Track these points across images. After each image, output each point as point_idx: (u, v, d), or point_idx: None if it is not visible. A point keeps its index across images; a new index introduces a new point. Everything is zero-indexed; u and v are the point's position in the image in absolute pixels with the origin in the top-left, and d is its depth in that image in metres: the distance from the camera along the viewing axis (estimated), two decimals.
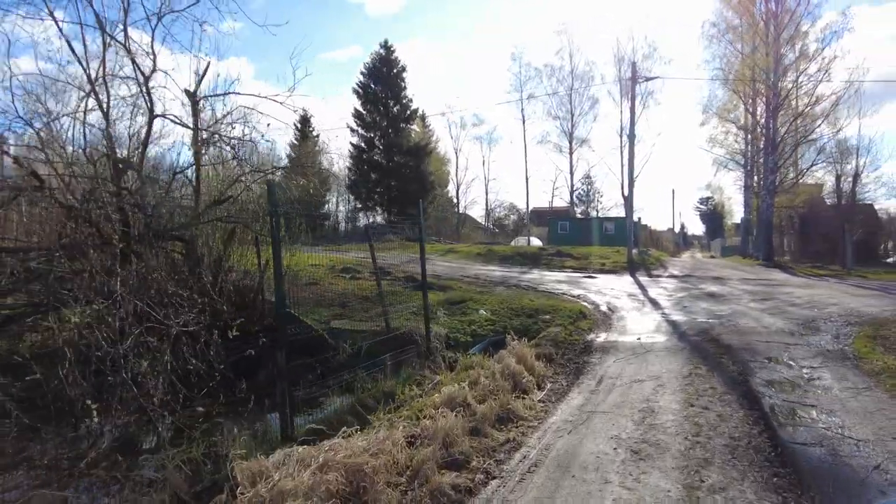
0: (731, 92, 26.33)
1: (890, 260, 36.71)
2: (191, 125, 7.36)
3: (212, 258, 6.75)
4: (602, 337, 7.69)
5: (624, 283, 15.09)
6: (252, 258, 7.35)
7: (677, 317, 9.16)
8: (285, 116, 63.18)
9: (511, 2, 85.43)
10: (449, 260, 21.77)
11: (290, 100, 8.24)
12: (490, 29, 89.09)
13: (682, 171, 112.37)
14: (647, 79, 23.10)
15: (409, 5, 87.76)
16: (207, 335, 4.83)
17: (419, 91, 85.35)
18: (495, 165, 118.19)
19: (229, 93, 7.77)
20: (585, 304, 10.46)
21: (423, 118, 57.48)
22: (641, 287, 13.90)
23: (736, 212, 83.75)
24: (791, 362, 6.08)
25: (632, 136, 22.38)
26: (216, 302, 5.72)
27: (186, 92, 7.24)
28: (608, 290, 13.13)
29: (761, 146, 25.50)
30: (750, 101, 26.10)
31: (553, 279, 15.66)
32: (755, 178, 29.88)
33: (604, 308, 10.15)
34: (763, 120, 24.10)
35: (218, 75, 21.96)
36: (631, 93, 21.31)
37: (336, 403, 5.20)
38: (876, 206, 35.79)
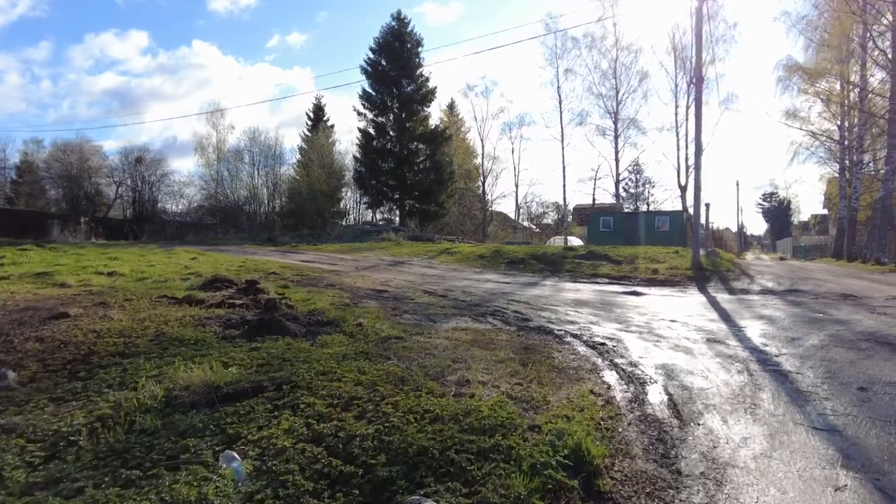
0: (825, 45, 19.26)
1: None
2: None
3: None
4: None
5: (692, 307, 8.83)
6: None
7: (871, 435, 3.07)
8: None
9: None
10: (436, 263, 15.87)
11: None
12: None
13: (742, 165, 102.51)
14: None
15: None
16: None
17: (440, 72, 79.53)
18: (528, 155, 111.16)
19: None
20: (609, 382, 4.36)
21: (450, 107, 51.90)
22: (728, 319, 7.61)
23: (804, 208, 74.32)
24: None
25: (699, 93, 15.88)
26: None
27: None
28: (665, 327, 6.96)
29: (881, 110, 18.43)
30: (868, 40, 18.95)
31: (571, 298, 9.59)
32: (862, 156, 22.56)
33: (658, 402, 4.03)
34: (891, 61, 16.94)
35: None
36: (697, 20, 14.82)
37: None
38: None
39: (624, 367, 4.80)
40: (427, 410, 3.12)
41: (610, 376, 4.47)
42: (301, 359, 4.35)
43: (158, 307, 6.92)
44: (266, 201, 44.98)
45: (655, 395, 4.00)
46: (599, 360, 5.02)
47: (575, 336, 6.18)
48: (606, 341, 5.92)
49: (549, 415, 3.27)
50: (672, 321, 7.33)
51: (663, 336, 6.27)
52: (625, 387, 4.20)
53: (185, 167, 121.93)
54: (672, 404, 3.79)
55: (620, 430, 3.27)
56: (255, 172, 46.50)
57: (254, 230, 35.64)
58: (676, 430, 3.32)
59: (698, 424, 3.42)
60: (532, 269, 14.78)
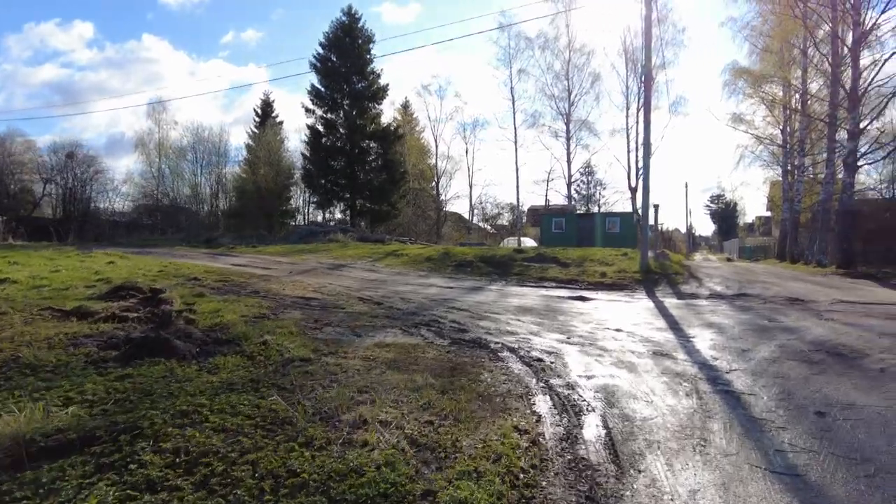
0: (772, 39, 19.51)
1: None
2: None
3: None
4: None
5: (639, 314, 8.39)
6: None
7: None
8: None
9: None
10: (380, 267, 15.10)
11: None
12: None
13: (691, 167, 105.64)
14: None
15: None
16: None
17: (395, 71, 78.62)
18: (483, 156, 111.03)
19: None
20: (540, 412, 3.71)
21: (404, 106, 51.06)
22: (676, 328, 7.17)
23: (749, 210, 77.12)
24: None
25: (648, 93, 15.71)
26: None
27: None
28: (610, 337, 6.44)
29: (818, 115, 18.77)
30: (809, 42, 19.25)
31: (515, 304, 9.02)
32: (803, 160, 23.06)
33: (594, 439, 3.42)
34: (830, 66, 17.20)
35: None
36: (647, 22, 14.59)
37: None
38: None
39: (560, 390, 4.20)
40: (292, 473, 2.40)
41: (542, 404, 3.84)
42: (168, 392, 3.55)
43: (34, 323, 5.93)
44: (210, 200, 43.03)
45: (592, 430, 3.39)
46: (533, 382, 4.40)
47: (511, 350, 5.57)
48: (545, 356, 5.32)
49: (455, 470, 2.59)
50: (617, 330, 6.83)
51: (607, 349, 5.72)
52: (557, 418, 3.58)
53: (129, 165, 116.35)
54: (610, 443, 3.19)
55: (544, 485, 2.63)
56: (199, 170, 44.47)
57: (194, 231, 33.85)
58: (612, 482, 2.70)
59: (639, 471, 2.82)
60: (480, 273, 14.20)
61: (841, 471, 2.86)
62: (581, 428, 3.42)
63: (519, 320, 7.48)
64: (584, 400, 3.97)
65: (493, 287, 11.68)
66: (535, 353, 5.45)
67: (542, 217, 34.56)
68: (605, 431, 3.36)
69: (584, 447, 3.11)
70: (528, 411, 3.66)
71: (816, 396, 4.13)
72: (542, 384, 4.36)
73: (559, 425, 3.45)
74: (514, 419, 3.45)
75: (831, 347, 5.84)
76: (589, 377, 4.62)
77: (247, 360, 4.72)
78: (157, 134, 44.29)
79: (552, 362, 5.11)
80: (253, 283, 10.55)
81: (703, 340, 6.26)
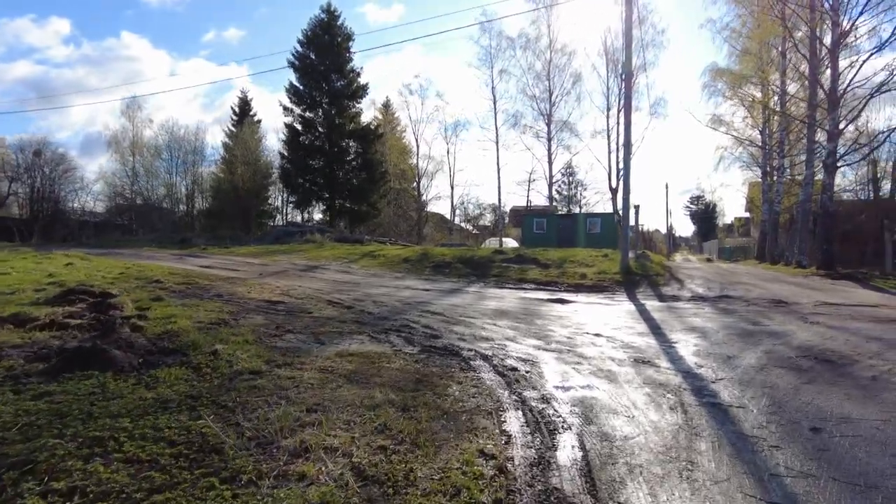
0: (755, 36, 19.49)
1: None
2: None
3: None
4: None
5: (620, 317, 8.09)
6: None
7: None
8: None
9: None
10: (355, 268, 14.66)
11: None
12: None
13: (671, 168, 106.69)
14: None
15: None
16: None
17: (376, 70, 77.90)
18: (465, 157, 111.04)
19: None
20: (511, 431, 3.32)
21: (385, 106, 50.51)
22: (658, 332, 6.87)
23: (729, 211, 77.94)
24: None
25: (628, 89, 15.50)
26: None
27: None
28: (589, 342, 6.11)
29: (800, 116, 18.77)
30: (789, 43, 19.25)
31: (492, 307, 8.67)
32: (783, 161, 23.12)
33: (569, 464, 3.05)
34: (809, 67, 17.16)
35: None
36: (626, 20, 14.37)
37: None
38: None
39: (534, 404, 3.83)
40: None
41: (513, 421, 3.47)
42: (87, 413, 3.11)
43: None
44: (185, 200, 42.04)
45: (567, 453, 3.02)
46: (505, 395, 4.03)
47: (485, 358, 5.20)
48: (519, 365, 4.96)
49: None
50: (597, 335, 6.50)
51: (586, 356, 5.38)
52: (529, 438, 3.21)
53: (103, 164, 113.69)
54: (587, 468, 2.82)
55: None
56: (175, 169, 43.44)
57: (168, 231, 32.94)
58: None
59: None
60: (458, 274, 13.83)
61: (845, 500, 2.53)
62: (555, 450, 3.05)
63: (495, 325, 7.12)
64: (560, 416, 3.61)
65: (471, 289, 11.32)
66: (509, 362, 5.09)
67: (523, 218, 34.35)
68: (581, 454, 3.00)
69: (557, 474, 2.74)
70: (497, 431, 3.29)
71: (809, 409, 3.83)
72: (514, 397, 4.00)
73: (531, 447, 3.08)
74: (481, 441, 3.08)
75: (819, 353, 5.57)
76: (566, 388, 4.27)
77: (192, 372, 4.29)
78: (131, 132, 43.16)
79: (527, 371, 4.75)
80: (218, 285, 10.04)
81: (687, 346, 5.96)
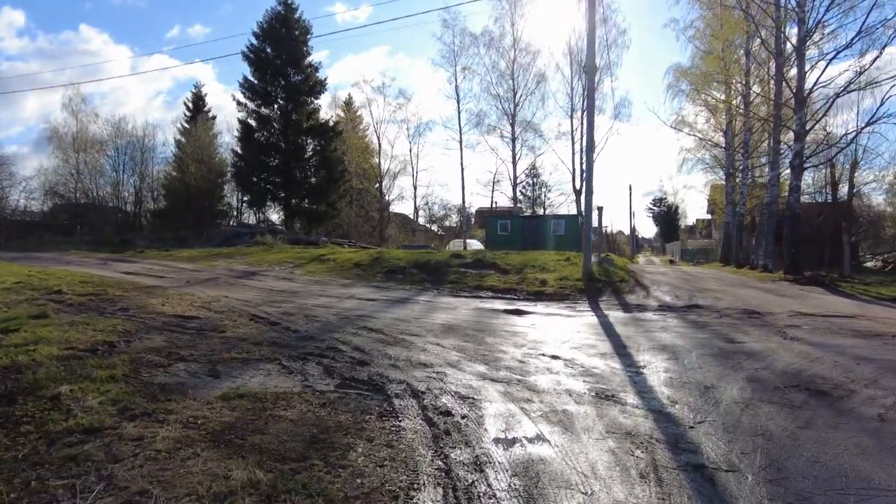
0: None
1: (869, 264, 31.27)
2: None
3: None
4: None
5: (581, 333, 7.20)
6: None
7: None
8: None
9: None
10: (298, 274, 13.48)
11: None
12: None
13: (635, 170, 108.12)
14: None
15: None
16: None
17: (341, 69, 75.96)
18: (429, 157, 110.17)
19: None
20: None
21: (347, 103, 49.09)
22: (623, 353, 5.98)
23: (691, 213, 79.04)
24: None
25: (591, 84, 14.76)
26: None
27: None
28: (544, 369, 5.17)
29: (761, 117, 18.41)
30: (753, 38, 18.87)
31: (441, 321, 7.70)
32: (747, 162, 22.86)
33: None
34: (775, 65, 16.76)
35: None
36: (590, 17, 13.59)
37: None
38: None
39: (462, 473, 2.85)
40: None
41: None
42: None
43: None
44: (133, 199, 39.81)
45: None
46: (427, 459, 3.03)
47: (416, 395, 4.20)
48: (456, 405, 3.98)
49: None
50: (554, 357, 5.58)
51: (538, 389, 4.44)
52: None
53: (42, 161, 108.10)
54: None
55: None
56: (122, 167, 41.12)
57: (108, 232, 30.87)
58: None
59: None
60: (412, 281, 12.81)
61: None
62: None
63: (439, 345, 6.13)
64: (494, 496, 2.63)
65: (422, 298, 10.31)
66: (444, 400, 4.10)
67: (487, 219, 33.56)
68: None
69: None
70: None
71: (818, 472, 2.95)
72: (439, 462, 3.00)
73: None
74: None
75: (808, 381, 4.77)
76: (508, 443, 3.30)
77: (5, 431, 3.15)
78: (74, 127, 40.61)
79: (464, 416, 3.77)
80: (131, 296, 8.77)
81: (656, 372, 5.08)
